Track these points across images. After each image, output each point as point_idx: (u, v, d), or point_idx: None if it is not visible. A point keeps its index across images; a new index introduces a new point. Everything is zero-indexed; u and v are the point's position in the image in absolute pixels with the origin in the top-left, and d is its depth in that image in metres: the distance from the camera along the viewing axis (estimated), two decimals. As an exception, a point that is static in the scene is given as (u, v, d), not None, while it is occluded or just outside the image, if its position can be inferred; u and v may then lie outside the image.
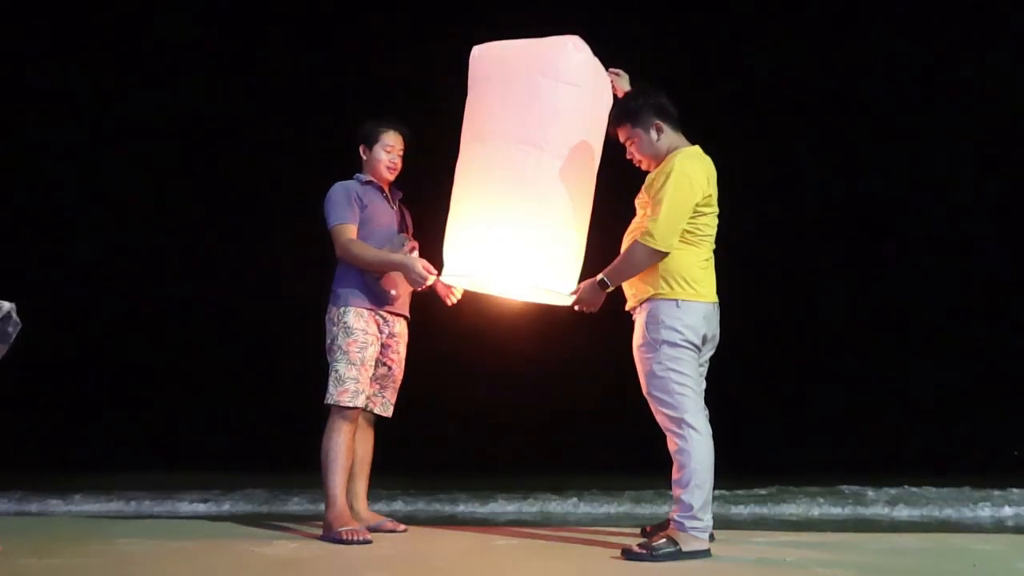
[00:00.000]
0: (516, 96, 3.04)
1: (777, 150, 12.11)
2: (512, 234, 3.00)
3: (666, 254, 2.89)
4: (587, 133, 3.13)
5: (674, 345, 2.90)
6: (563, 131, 3.04)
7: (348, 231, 3.40)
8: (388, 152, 3.54)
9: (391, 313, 3.52)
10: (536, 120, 3.00)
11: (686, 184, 2.88)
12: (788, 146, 12.35)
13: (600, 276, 3.01)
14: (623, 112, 3.08)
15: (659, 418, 2.95)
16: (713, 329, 3.02)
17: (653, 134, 3.03)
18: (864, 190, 12.70)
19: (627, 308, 3.12)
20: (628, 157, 3.14)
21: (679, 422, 2.86)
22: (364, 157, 3.58)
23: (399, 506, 7.44)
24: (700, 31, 11.85)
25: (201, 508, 7.56)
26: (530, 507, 7.40)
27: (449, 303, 3.48)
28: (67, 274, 13.03)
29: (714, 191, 3.00)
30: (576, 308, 3.12)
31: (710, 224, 3.01)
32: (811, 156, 12.47)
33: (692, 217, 2.93)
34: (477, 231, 3.09)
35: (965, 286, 12.58)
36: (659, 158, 3.03)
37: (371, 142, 3.55)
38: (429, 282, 3.30)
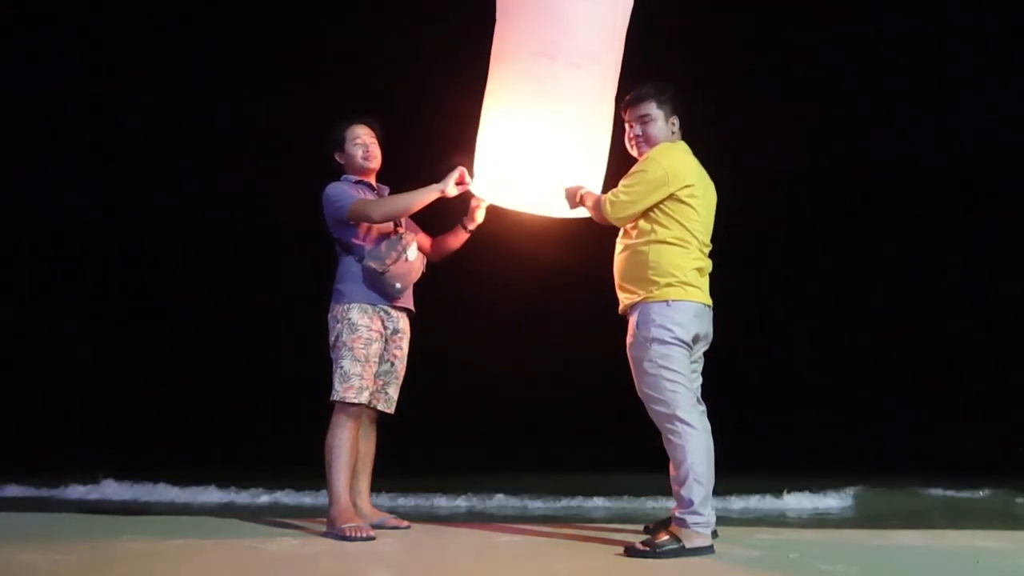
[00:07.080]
0: (530, 15, 3.23)
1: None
2: (532, 138, 3.19)
3: (614, 226, 3.10)
4: (602, 45, 3.27)
5: (664, 343, 2.91)
6: (575, 42, 3.19)
7: (367, 202, 3.43)
8: (359, 144, 3.57)
9: (396, 308, 3.51)
10: (548, 32, 3.17)
11: (662, 168, 2.96)
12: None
13: (583, 191, 3.17)
14: (654, 92, 3.15)
15: (653, 416, 2.96)
16: (705, 328, 3.04)
17: (671, 125, 3.13)
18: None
19: (620, 311, 3.13)
20: (628, 138, 3.21)
21: (672, 419, 2.87)
22: (342, 161, 3.61)
23: (402, 503, 7.43)
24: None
25: (204, 504, 7.57)
26: (533, 504, 7.39)
27: (473, 221, 3.59)
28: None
29: (700, 185, 3.01)
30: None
31: (700, 221, 3.01)
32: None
33: (673, 202, 2.96)
34: (502, 139, 3.27)
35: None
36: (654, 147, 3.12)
37: (341, 144, 3.59)
38: (469, 185, 3.39)
